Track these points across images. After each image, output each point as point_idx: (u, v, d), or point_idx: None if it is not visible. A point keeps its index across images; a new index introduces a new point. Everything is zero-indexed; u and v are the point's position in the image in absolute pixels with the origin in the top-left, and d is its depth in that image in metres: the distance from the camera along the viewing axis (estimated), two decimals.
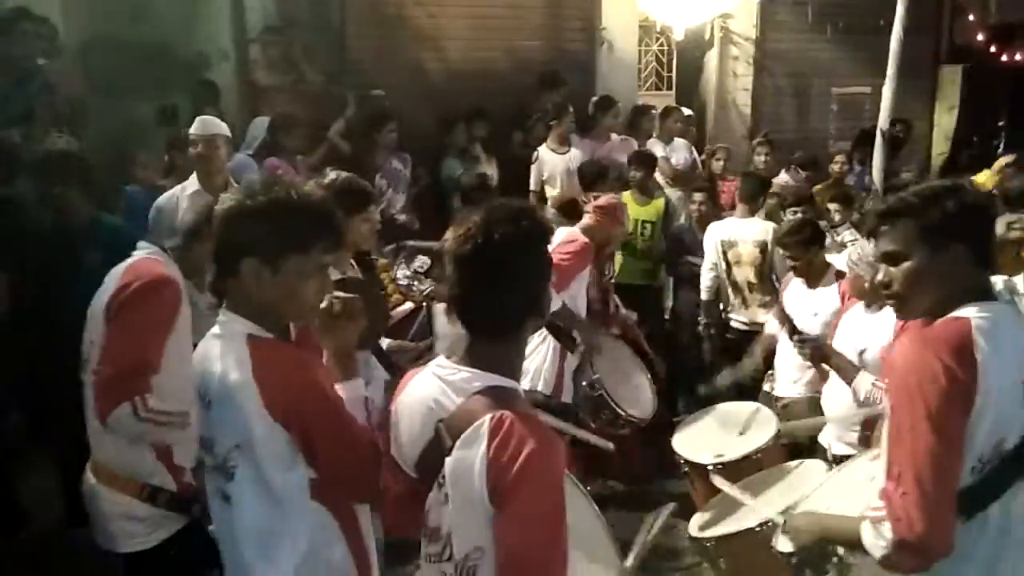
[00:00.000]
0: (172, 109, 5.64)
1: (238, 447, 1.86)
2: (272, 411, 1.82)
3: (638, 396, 4.26)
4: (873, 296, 3.53)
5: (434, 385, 1.74)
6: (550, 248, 1.78)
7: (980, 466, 1.73)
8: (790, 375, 4.23)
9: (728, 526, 2.87)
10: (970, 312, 1.78)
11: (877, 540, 1.74)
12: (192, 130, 4.22)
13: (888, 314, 3.39)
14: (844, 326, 3.65)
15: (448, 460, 1.65)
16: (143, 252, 2.60)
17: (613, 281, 5.61)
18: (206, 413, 1.94)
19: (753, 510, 2.67)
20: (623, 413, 4.02)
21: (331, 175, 3.06)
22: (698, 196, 5.91)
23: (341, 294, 2.02)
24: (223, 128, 4.29)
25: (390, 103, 6.52)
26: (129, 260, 2.59)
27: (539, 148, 6.59)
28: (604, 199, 4.36)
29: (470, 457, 1.61)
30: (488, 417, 1.61)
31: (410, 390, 1.81)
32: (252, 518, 1.89)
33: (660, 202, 6.18)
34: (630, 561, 2.16)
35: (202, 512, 2.49)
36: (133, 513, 2.51)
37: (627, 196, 6.01)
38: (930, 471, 1.68)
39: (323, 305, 1.98)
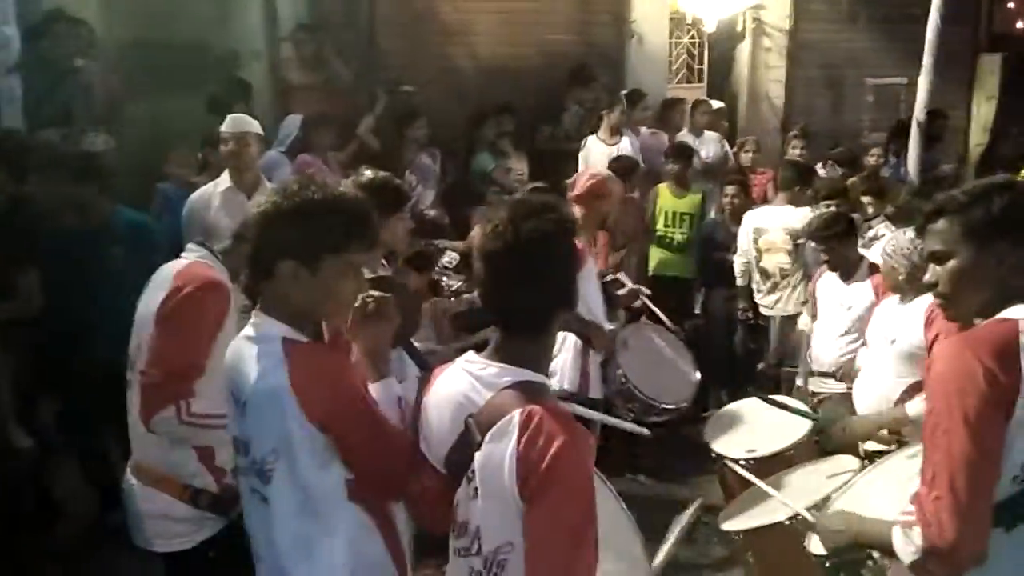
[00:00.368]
0: (223, 98, 5.70)
1: (275, 451, 1.87)
2: (310, 415, 1.83)
3: (673, 382, 4.23)
4: (907, 288, 3.50)
5: (464, 380, 1.75)
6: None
7: (1022, 475, 1.67)
8: (824, 371, 4.19)
9: (757, 519, 2.84)
10: (1019, 313, 1.73)
11: (907, 546, 1.71)
12: (223, 128, 4.26)
13: (919, 305, 3.36)
14: (877, 317, 3.63)
15: (478, 455, 1.66)
16: (193, 255, 2.61)
17: (650, 275, 5.59)
18: (240, 415, 1.94)
19: (782, 504, 2.64)
20: (655, 403, 4.01)
21: (367, 173, 3.04)
22: (730, 189, 5.89)
23: (375, 293, 2.03)
24: (254, 126, 4.33)
25: (419, 99, 6.55)
26: (180, 263, 2.60)
27: (588, 137, 6.60)
28: (578, 186, 4.12)
29: (500, 452, 1.62)
30: (518, 411, 1.62)
31: (439, 386, 1.82)
32: (290, 520, 1.90)
33: (697, 196, 6.16)
34: (658, 560, 2.14)
35: (242, 514, 2.54)
36: (174, 514, 2.52)
37: (663, 188, 6.02)
38: (965, 477, 1.63)
39: (356, 304, 1.99)
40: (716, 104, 7.50)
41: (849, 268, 4.22)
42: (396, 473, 1.92)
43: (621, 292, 4.26)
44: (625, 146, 6.46)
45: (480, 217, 5.20)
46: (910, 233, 3.50)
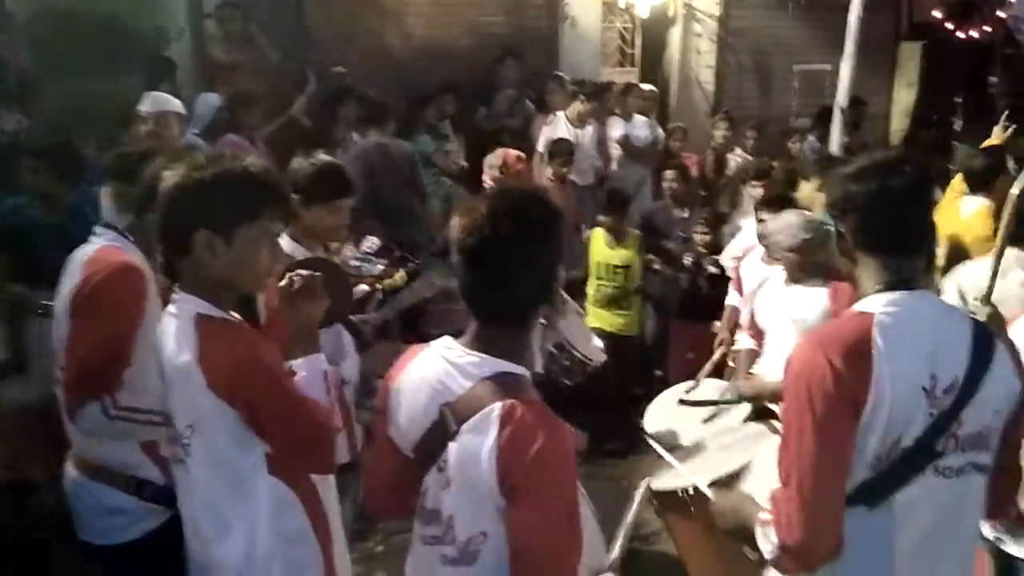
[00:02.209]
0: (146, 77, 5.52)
1: (190, 426, 1.90)
2: (217, 390, 1.84)
3: (589, 342, 4.36)
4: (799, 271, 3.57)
5: (440, 366, 1.70)
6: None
7: (877, 462, 1.70)
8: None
9: (664, 482, 2.85)
10: (875, 305, 1.74)
11: (766, 543, 1.75)
12: (142, 107, 4.14)
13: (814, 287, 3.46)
14: (772, 301, 3.66)
15: (452, 445, 1.63)
16: (102, 239, 2.47)
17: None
18: (166, 390, 1.98)
19: (686, 474, 2.67)
20: (588, 360, 4.10)
21: (323, 158, 2.97)
22: (669, 174, 5.80)
23: (302, 272, 2.03)
24: (174, 104, 4.21)
25: (352, 79, 6.46)
26: (88, 249, 2.46)
27: (559, 112, 6.65)
28: (508, 167, 4.08)
29: (478, 445, 1.58)
30: (499, 405, 1.58)
31: (413, 369, 1.77)
32: (208, 494, 1.93)
33: (631, 250, 5.40)
34: (615, 552, 2.14)
35: None
36: (118, 506, 2.43)
37: (597, 235, 5.47)
38: (812, 478, 1.67)
39: (283, 283, 2.01)
40: (647, 87, 7.58)
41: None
42: (317, 446, 1.93)
43: None
44: (589, 134, 6.60)
45: (458, 209, 5.15)
46: (795, 218, 3.58)
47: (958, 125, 9.92)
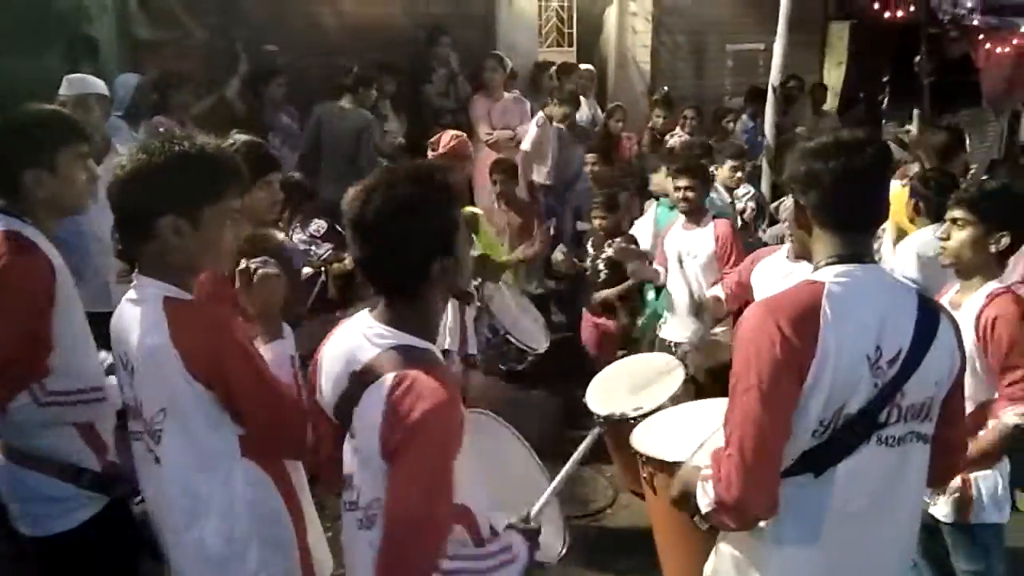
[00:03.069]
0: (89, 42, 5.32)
1: (163, 410, 1.90)
2: (193, 372, 1.85)
3: (533, 328, 4.45)
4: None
5: (354, 337, 1.78)
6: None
7: (821, 429, 1.75)
8: (680, 318, 4.38)
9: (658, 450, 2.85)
10: (827, 275, 1.79)
11: (704, 498, 1.81)
12: (62, 90, 3.97)
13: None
14: (766, 274, 3.73)
15: (356, 411, 1.71)
16: (1, 224, 2.30)
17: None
18: (130, 379, 1.96)
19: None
20: (527, 348, 4.15)
21: (240, 137, 2.90)
22: (590, 157, 5.88)
23: (263, 258, 2.06)
24: (95, 86, 4.05)
25: (283, 58, 6.31)
26: None
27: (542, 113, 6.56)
28: (441, 145, 4.01)
29: (371, 411, 1.66)
30: (392, 374, 1.66)
31: (334, 339, 1.85)
32: (182, 479, 1.92)
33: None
34: (558, 480, 2.15)
35: (127, 492, 2.42)
36: (53, 494, 2.34)
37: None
38: (752, 438, 1.71)
39: (241, 267, 2.04)
40: (586, 68, 7.58)
41: (699, 215, 4.37)
42: (289, 427, 1.95)
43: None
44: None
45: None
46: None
47: (884, 102, 10.21)
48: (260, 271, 2.05)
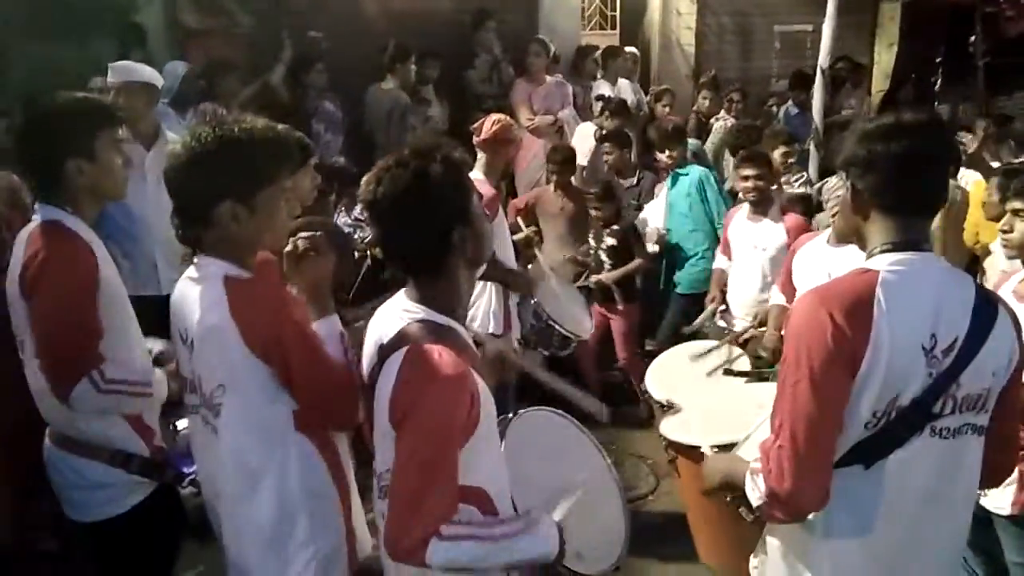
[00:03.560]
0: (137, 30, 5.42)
1: (222, 386, 1.95)
2: (252, 347, 1.90)
3: (576, 315, 4.45)
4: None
5: (388, 313, 1.85)
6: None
7: (874, 420, 1.72)
8: (744, 310, 4.31)
9: (684, 434, 2.83)
10: (882, 263, 1.75)
11: (754, 491, 1.78)
12: (108, 78, 4.04)
13: (853, 249, 3.47)
14: (806, 259, 3.68)
15: (378, 381, 1.78)
16: (40, 215, 2.38)
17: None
18: (189, 354, 2.03)
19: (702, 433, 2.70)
20: (571, 334, 4.14)
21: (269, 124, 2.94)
22: (606, 146, 5.74)
23: (304, 233, 2.07)
24: (140, 74, 4.10)
25: (327, 45, 6.34)
26: (29, 228, 2.37)
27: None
28: (484, 131, 4.00)
29: (386, 382, 1.73)
30: (407, 347, 1.72)
31: (375, 316, 1.92)
32: (239, 451, 1.98)
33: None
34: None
35: (174, 477, 2.49)
36: (103, 480, 2.39)
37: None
38: (804, 429, 1.69)
39: (288, 248, 2.06)
40: (630, 51, 7.51)
41: (766, 205, 4.30)
42: (340, 402, 1.99)
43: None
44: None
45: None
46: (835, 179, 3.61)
47: (937, 85, 9.94)
48: (303, 246, 2.06)
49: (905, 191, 1.76)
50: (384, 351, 1.79)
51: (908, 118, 1.78)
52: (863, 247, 1.87)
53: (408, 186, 1.73)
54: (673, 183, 5.26)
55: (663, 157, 5.40)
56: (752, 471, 1.80)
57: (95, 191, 2.41)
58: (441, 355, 1.69)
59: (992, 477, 1.97)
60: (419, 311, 1.80)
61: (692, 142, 5.96)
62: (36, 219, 2.38)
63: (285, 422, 1.98)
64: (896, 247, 1.77)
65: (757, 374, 3.22)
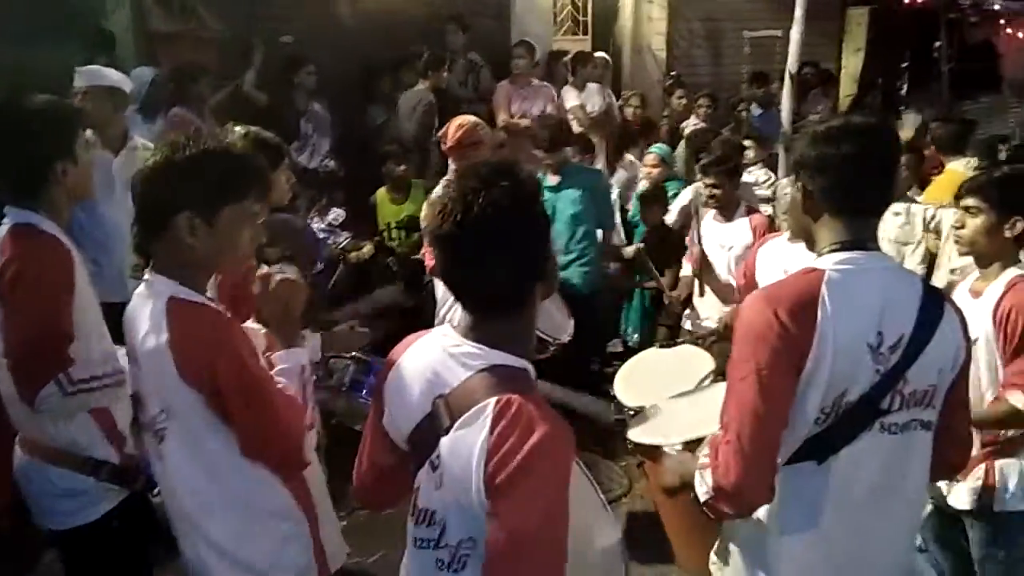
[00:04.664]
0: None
1: (164, 411, 1.89)
2: (186, 378, 1.83)
3: (554, 318, 4.30)
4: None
5: (436, 355, 1.59)
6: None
7: (823, 417, 1.74)
8: (714, 310, 4.34)
9: (647, 435, 2.82)
10: (828, 263, 1.78)
11: (701, 486, 1.82)
12: (75, 82, 3.99)
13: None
14: (767, 257, 3.75)
15: (444, 440, 1.51)
16: (12, 218, 2.34)
17: None
18: (137, 371, 1.97)
19: (664, 433, 2.71)
20: (549, 338, 4.09)
21: (239, 130, 2.92)
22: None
23: (280, 268, 2.07)
24: (108, 78, 4.06)
25: (301, 50, 6.32)
26: (2, 230, 2.35)
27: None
28: (449, 137, 3.98)
29: (470, 441, 1.46)
30: (494, 400, 1.46)
31: (410, 356, 1.65)
32: (186, 478, 1.93)
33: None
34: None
35: (145, 483, 2.45)
36: (73, 488, 2.36)
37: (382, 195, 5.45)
38: (749, 426, 1.71)
39: (260, 272, 2.04)
40: (599, 55, 7.54)
41: (731, 208, 4.37)
42: (282, 444, 1.92)
43: None
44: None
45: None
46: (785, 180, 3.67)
47: (903, 90, 10.10)
48: (278, 276, 2.03)
49: (853, 192, 1.80)
50: (450, 405, 1.52)
51: (857, 121, 1.82)
52: (811, 247, 1.90)
53: (507, 210, 1.47)
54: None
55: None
56: (701, 466, 1.83)
57: (73, 192, 2.43)
58: (534, 407, 1.46)
59: (944, 472, 2.02)
60: (484, 353, 1.53)
61: (661, 147, 5.99)
62: (6, 223, 2.35)
63: (231, 450, 1.90)
64: (843, 247, 1.80)
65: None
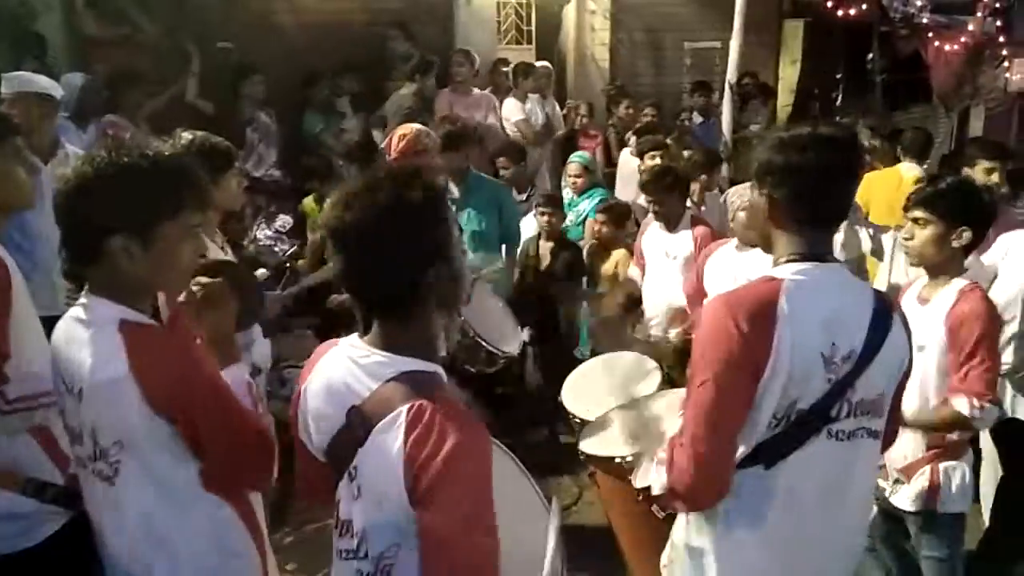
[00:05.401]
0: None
1: (119, 443, 1.73)
2: (155, 406, 1.70)
3: (504, 331, 4.25)
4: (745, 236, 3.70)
5: (345, 367, 1.59)
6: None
7: (775, 422, 1.78)
8: (659, 318, 4.39)
9: (599, 447, 2.87)
10: (786, 272, 1.81)
11: (656, 481, 1.87)
12: (2, 88, 3.84)
13: (758, 253, 3.60)
14: (716, 264, 3.82)
15: (360, 451, 1.52)
16: None
17: None
18: (75, 404, 1.77)
19: (619, 442, 2.73)
20: (497, 351, 4.03)
21: (186, 136, 2.83)
22: (501, 160, 5.73)
23: (203, 280, 1.92)
24: (36, 84, 3.92)
25: (238, 56, 6.21)
26: None
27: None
28: (392, 148, 3.93)
29: (385, 450, 1.47)
30: (406, 408, 1.47)
31: (321, 369, 1.65)
32: (144, 515, 1.79)
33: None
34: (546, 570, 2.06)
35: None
36: (13, 510, 2.24)
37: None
38: (704, 430, 1.75)
39: (184, 295, 1.89)
40: (542, 65, 7.56)
41: (674, 219, 4.42)
42: (256, 461, 1.84)
43: None
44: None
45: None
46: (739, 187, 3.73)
47: (838, 100, 10.35)
48: (202, 291, 1.91)
49: (816, 202, 1.82)
50: (363, 415, 1.52)
51: (825, 131, 1.83)
52: (768, 250, 1.93)
53: (381, 214, 1.50)
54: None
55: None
56: (658, 461, 1.87)
57: (3, 204, 2.35)
58: (448, 410, 1.47)
59: None
60: (391, 360, 1.54)
61: (583, 155, 6.00)
62: None
63: (192, 483, 1.80)
64: (803, 257, 1.83)
65: None
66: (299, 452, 1.73)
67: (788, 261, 1.83)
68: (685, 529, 1.99)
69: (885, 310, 1.86)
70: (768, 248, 1.92)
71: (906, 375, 1.92)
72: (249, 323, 2.53)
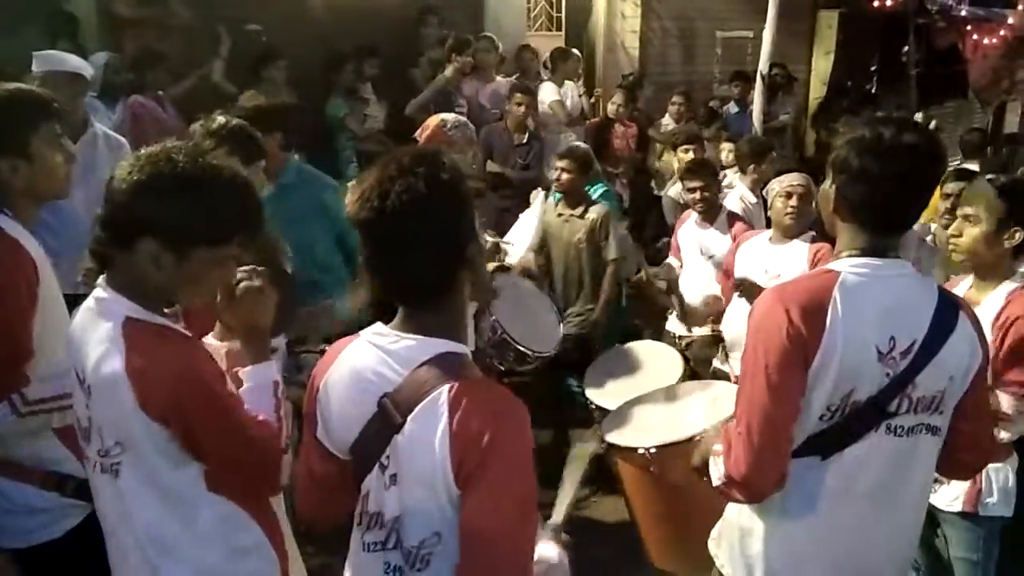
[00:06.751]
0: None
1: (119, 443, 1.71)
2: (148, 408, 1.65)
3: (541, 330, 4.05)
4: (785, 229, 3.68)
5: (372, 355, 1.55)
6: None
7: (828, 414, 1.79)
8: (692, 314, 4.32)
9: (658, 437, 2.81)
10: (844, 265, 1.81)
11: (715, 472, 1.89)
12: (33, 67, 3.87)
13: (796, 245, 3.62)
14: (748, 256, 3.79)
15: (397, 439, 1.49)
16: None
17: None
18: (86, 399, 1.75)
19: (685, 423, 2.71)
20: (528, 352, 3.92)
21: (220, 119, 2.78)
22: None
23: (246, 268, 1.85)
24: (66, 63, 3.93)
25: (267, 39, 6.21)
26: None
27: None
28: (422, 136, 3.83)
29: (428, 435, 1.44)
30: (446, 388, 1.45)
31: (342, 363, 1.60)
32: (147, 517, 1.76)
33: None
34: (560, 515, 2.05)
35: None
36: (35, 504, 2.23)
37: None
38: (759, 419, 1.77)
39: (224, 287, 1.83)
40: (574, 52, 7.50)
41: (714, 211, 4.34)
42: (260, 467, 1.79)
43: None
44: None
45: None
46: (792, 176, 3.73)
47: (872, 91, 10.20)
48: (243, 284, 1.83)
49: (887, 209, 1.80)
50: (398, 402, 1.49)
51: (908, 138, 1.75)
52: (833, 234, 1.91)
53: (425, 197, 1.44)
54: None
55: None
56: (715, 453, 1.89)
57: (33, 192, 2.22)
58: (488, 389, 1.49)
59: (957, 472, 2.11)
60: (423, 344, 1.51)
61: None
62: None
63: (195, 485, 1.75)
64: (863, 252, 1.82)
65: None
66: (309, 455, 1.69)
67: (848, 254, 1.83)
68: (739, 508, 2.01)
69: (951, 307, 1.83)
70: (833, 232, 1.91)
71: (980, 375, 1.88)
72: (281, 330, 2.49)
